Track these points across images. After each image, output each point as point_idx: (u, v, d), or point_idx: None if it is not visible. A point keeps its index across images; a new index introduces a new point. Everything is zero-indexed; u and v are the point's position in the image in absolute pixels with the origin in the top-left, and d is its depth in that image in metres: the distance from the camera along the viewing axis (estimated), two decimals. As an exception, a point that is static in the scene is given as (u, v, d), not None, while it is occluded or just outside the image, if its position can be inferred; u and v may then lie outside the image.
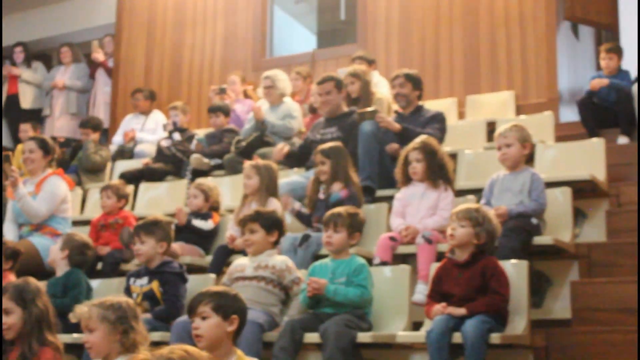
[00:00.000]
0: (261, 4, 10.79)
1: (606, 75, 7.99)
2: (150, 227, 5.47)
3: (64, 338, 4.62)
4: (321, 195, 6.05)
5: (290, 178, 6.97)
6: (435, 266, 4.82)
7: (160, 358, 2.33)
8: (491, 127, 7.55)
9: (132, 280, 5.44)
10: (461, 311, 4.36)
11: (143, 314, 5.14)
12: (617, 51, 8.14)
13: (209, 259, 6.22)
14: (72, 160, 9.40)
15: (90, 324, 3.89)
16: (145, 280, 5.37)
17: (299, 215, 6.09)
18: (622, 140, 7.51)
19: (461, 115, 8.94)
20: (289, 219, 6.27)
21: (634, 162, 6.88)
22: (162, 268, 5.37)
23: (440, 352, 4.24)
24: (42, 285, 4.60)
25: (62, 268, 5.75)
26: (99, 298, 4.07)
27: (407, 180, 5.79)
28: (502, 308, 4.44)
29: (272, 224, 5.20)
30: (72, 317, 4.00)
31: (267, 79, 8.34)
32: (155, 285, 5.31)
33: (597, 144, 6.59)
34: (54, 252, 5.82)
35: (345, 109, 7.05)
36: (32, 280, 4.54)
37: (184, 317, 4.79)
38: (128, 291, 5.39)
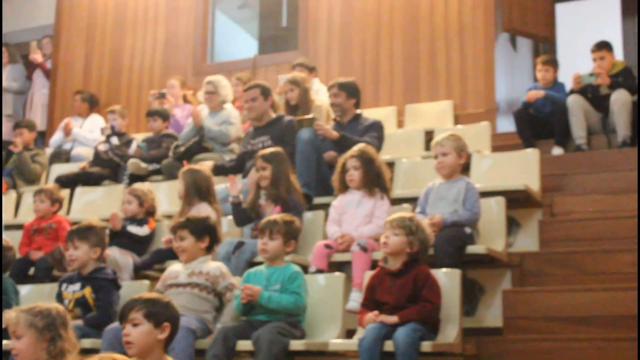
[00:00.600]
0: (203, 9, 10.75)
1: (542, 87, 8.12)
2: (84, 232, 5.40)
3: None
4: (262, 202, 6.03)
5: (227, 184, 6.94)
6: (369, 274, 4.85)
7: (88, 367, 2.30)
8: (429, 136, 7.61)
9: (64, 286, 5.37)
10: (393, 319, 4.39)
11: (75, 321, 5.08)
12: (553, 64, 8.28)
13: (143, 265, 6.18)
14: (7, 163, 9.24)
15: (18, 331, 3.83)
16: (77, 286, 5.30)
17: (234, 205, 6.05)
18: (557, 151, 7.63)
19: (400, 124, 9.00)
20: (225, 226, 6.24)
21: (567, 172, 7.01)
22: (95, 274, 5.31)
23: (372, 360, 4.26)
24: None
25: None
26: (29, 304, 4.02)
27: (344, 187, 5.80)
28: (434, 316, 4.48)
29: (202, 230, 5.17)
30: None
31: (209, 84, 8.30)
32: (87, 292, 5.24)
33: (531, 154, 6.69)
34: None
35: (272, 115, 7.06)
36: None
37: (115, 324, 4.74)
38: (60, 297, 5.31)
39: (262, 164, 6.04)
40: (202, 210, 5.95)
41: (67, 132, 9.72)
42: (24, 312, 3.88)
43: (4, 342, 4.77)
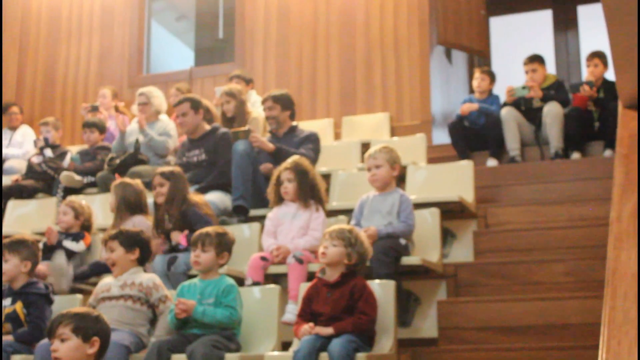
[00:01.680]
0: (138, 20, 10.66)
1: (477, 99, 8.23)
2: (15, 245, 5.30)
3: None
4: (168, 225, 5.97)
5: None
6: (305, 286, 4.84)
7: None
8: (366, 148, 7.60)
9: (-6, 301, 5.26)
10: (328, 331, 4.38)
11: (5, 336, 4.99)
12: (490, 74, 8.41)
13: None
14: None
15: None
16: (8, 301, 5.19)
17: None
18: (492, 162, 7.73)
19: (337, 135, 9.04)
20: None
21: (501, 184, 7.09)
22: (26, 289, 5.20)
23: (307, 372, 4.24)
24: None
25: None
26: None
27: (280, 200, 5.79)
28: (369, 329, 4.48)
29: (133, 242, 5.11)
30: None
31: (142, 96, 8.22)
32: (18, 307, 5.13)
33: (466, 166, 6.75)
34: None
35: (207, 127, 7.01)
36: None
37: (46, 340, 4.66)
38: (-9, 312, 5.20)
39: (160, 180, 6.01)
40: (138, 222, 5.90)
41: None
42: None
43: None
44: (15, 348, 4.90)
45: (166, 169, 6.11)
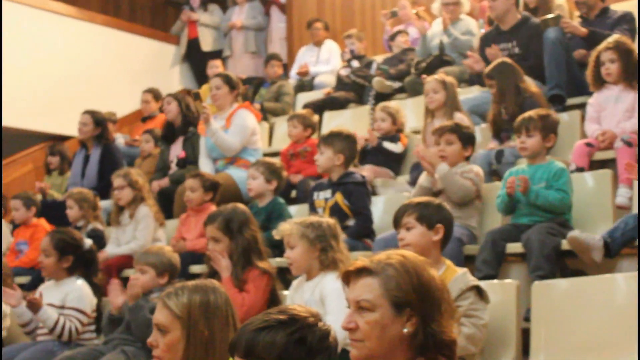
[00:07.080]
0: None
1: None
2: (329, 138, 5.41)
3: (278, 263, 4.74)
4: (504, 116, 5.90)
5: (472, 94, 6.86)
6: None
7: (379, 263, 2.37)
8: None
9: (315, 194, 5.44)
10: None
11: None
12: None
13: (400, 179, 6.23)
14: (254, 96, 9.59)
15: (291, 241, 4.05)
16: (328, 193, 5.36)
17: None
18: None
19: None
20: (479, 137, 6.16)
21: None
22: (343, 179, 5.32)
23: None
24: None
25: (266, 198, 5.78)
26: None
27: (600, 83, 5.55)
28: None
29: (469, 139, 5.13)
30: (276, 234, 4.17)
31: None
32: (339, 198, 5.28)
33: None
34: (260, 185, 5.80)
35: (518, 16, 6.71)
36: (241, 207, 4.66)
37: (383, 235, 4.85)
38: (312, 206, 5.41)
39: (488, 82, 5.98)
40: (458, 118, 5.93)
41: (302, 75, 9.91)
42: (296, 224, 4.11)
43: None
44: (351, 245, 5.07)
45: (490, 67, 6.01)
